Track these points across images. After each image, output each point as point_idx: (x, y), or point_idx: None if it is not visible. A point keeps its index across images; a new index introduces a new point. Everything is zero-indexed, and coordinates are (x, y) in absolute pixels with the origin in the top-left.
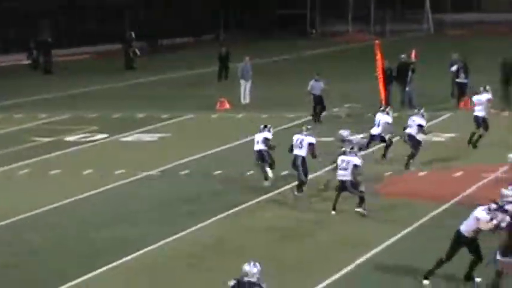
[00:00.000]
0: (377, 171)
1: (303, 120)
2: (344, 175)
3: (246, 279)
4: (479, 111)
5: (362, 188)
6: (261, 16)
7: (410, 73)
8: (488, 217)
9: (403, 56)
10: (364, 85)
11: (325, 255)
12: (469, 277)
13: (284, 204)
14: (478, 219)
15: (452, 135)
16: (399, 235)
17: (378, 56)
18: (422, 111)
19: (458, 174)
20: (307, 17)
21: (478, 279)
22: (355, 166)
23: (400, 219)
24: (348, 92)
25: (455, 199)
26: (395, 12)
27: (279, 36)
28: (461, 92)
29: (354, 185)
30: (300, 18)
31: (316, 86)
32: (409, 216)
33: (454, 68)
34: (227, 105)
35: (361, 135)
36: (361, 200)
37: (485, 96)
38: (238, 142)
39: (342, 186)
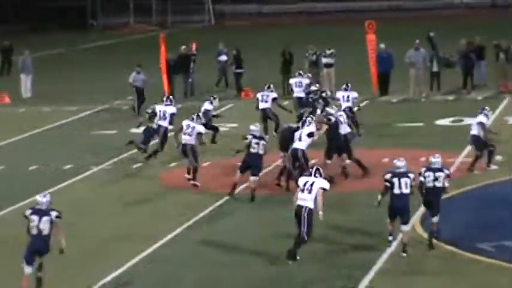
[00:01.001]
0: (161, 163)
1: (88, 112)
2: (188, 140)
3: (38, 207)
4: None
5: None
6: (40, 8)
7: (192, 64)
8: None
9: (183, 47)
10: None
11: (106, 250)
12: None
13: (67, 200)
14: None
15: (235, 125)
16: (183, 226)
17: (162, 49)
18: (271, 87)
19: None
20: (87, 8)
21: None
22: (199, 133)
23: (184, 210)
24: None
25: (241, 187)
26: (176, 3)
27: (60, 28)
28: (238, 82)
29: (194, 150)
30: (80, 9)
31: (138, 78)
32: (194, 207)
33: (221, 58)
34: (7, 100)
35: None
36: (194, 171)
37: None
38: (19, 137)
39: (184, 148)
